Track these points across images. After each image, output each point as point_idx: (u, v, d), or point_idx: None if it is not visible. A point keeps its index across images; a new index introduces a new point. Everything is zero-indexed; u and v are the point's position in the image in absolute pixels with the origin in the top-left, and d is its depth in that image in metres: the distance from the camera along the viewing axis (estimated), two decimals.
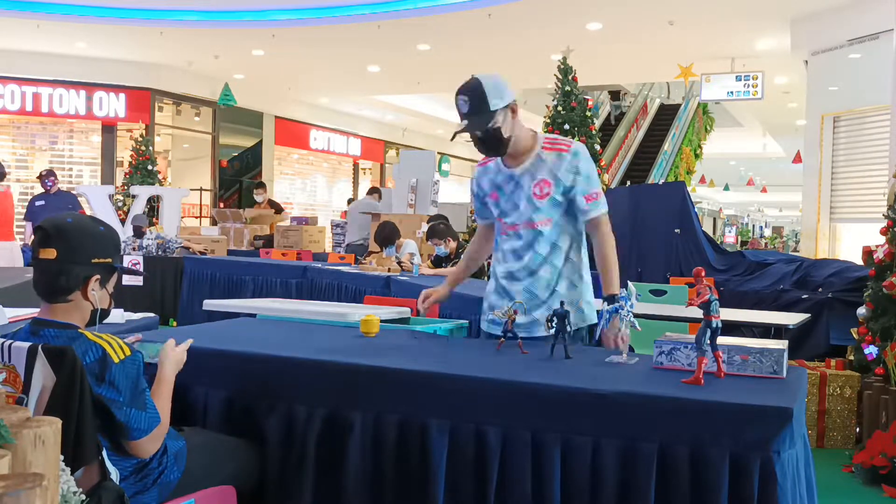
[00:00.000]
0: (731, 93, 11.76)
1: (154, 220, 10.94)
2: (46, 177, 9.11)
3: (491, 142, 2.71)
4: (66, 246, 1.93)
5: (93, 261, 1.97)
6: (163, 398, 2.07)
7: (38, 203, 9.05)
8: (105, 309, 2.04)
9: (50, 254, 1.92)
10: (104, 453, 1.85)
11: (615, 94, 19.06)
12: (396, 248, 7.04)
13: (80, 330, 1.95)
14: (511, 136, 2.72)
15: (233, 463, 2.20)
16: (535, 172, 2.76)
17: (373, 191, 10.79)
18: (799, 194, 11.02)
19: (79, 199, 9.64)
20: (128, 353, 1.91)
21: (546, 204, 2.74)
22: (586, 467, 1.90)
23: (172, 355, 2.17)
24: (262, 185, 12.06)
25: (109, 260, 2.01)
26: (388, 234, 7.03)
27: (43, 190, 9.22)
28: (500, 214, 2.85)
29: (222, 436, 2.26)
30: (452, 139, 2.79)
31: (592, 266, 2.87)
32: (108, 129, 13.66)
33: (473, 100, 2.65)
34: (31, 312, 3.09)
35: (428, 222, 7.45)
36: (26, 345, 1.81)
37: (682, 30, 10.27)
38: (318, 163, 18.64)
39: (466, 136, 2.71)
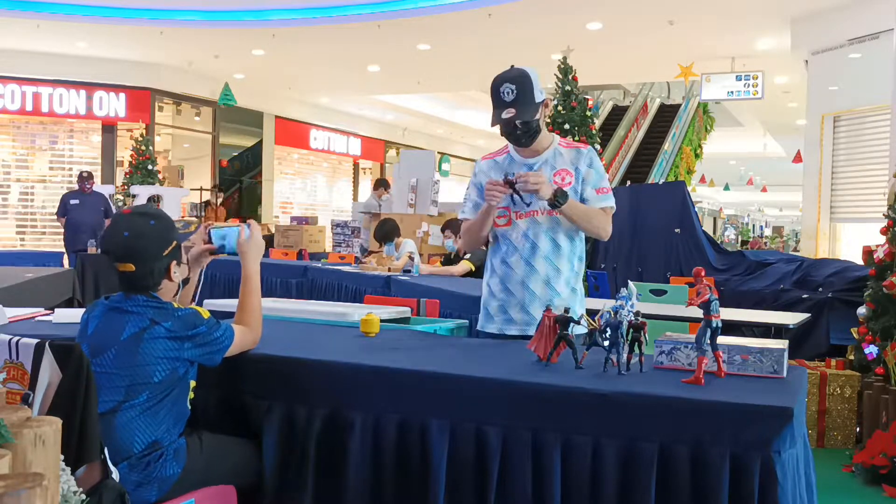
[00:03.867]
0: (732, 92, 11.76)
1: None
2: (87, 179, 9.63)
3: (528, 132, 2.76)
4: (139, 258, 2.14)
5: (164, 254, 2.18)
6: (252, 294, 2.37)
7: (72, 202, 9.53)
8: (186, 278, 2.34)
9: (129, 268, 2.14)
10: (104, 453, 1.85)
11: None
12: (396, 248, 7.04)
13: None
14: (541, 129, 2.80)
15: (233, 462, 2.21)
16: (554, 163, 2.82)
17: (378, 185, 10.35)
18: (799, 194, 11.02)
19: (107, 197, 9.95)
20: (208, 314, 2.19)
21: (568, 192, 2.76)
22: (586, 467, 1.90)
23: (251, 247, 2.40)
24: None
25: (175, 242, 2.22)
26: (387, 231, 7.03)
27: (79, 190, 9.65)
28: (513, 204, 2.79)
29: (222, 436, 2.26)
30: (493, 125, 2.78)
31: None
32: (108, 128, 13.65)
33: (521, 89, 2.69)
34: (31, 312, 3.09)
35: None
36: (34, 341, 1.85)
37: (682, 30, 10.27)
38: (318, 162, 18.63)
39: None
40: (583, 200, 2.80)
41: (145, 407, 2.07)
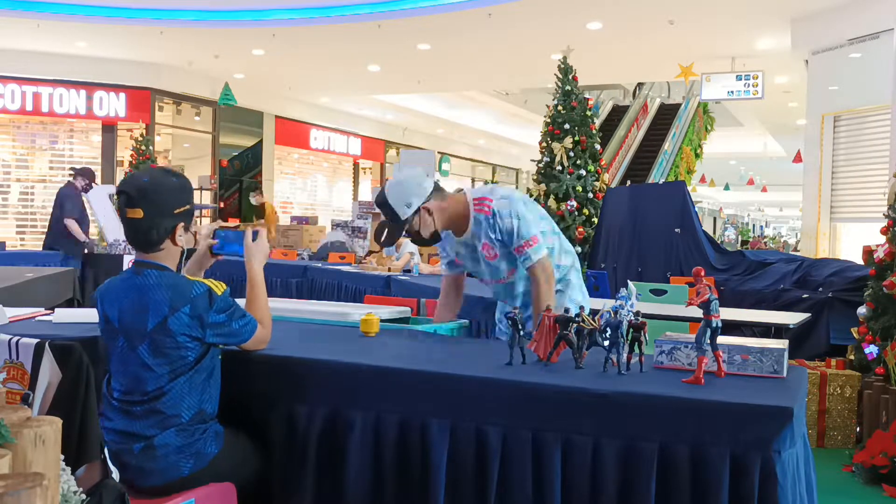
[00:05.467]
0: (732, 92, 11.76)
1: None
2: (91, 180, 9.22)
3: (417, 241, 2.87)
4: (151, 205, 2.11)
5: (175, 212, 2.15)
6: (259, 300, 2.31)
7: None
8: (191, 248, 2.29)
9: (137, 213, 2.10)
10: (105, 453, 1.85)
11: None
12: (396, 248, 7.03)
13: (179, 273, 2.19)
14: (435, 229, 2.82)
15: (233, 461, 2.21)
16: (479, 237, 2.86)
17: None
18: (799, 194, 11.02)
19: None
20: (224, 287, 2.16)
21: (501, 262, 2.88)
22: (587, 467, 1.90)
23: (255, 253, 2.36)
24: (257, 188, 12.08)
25: (188, 206, 2.19)
26: None
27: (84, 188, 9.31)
28: (476, 273, 3.02)
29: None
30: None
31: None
32: (109, 128, 13.65)
33: (385, 213, 2.79)
34: (31, 312, 3.08)
35: None
36: (34, 341, 1.86)
37: (682, 29, 10.27)
38: (318, 162, 18.64)
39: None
40: (515, 264, 2.87)
41: (187, 378, 2.10)
